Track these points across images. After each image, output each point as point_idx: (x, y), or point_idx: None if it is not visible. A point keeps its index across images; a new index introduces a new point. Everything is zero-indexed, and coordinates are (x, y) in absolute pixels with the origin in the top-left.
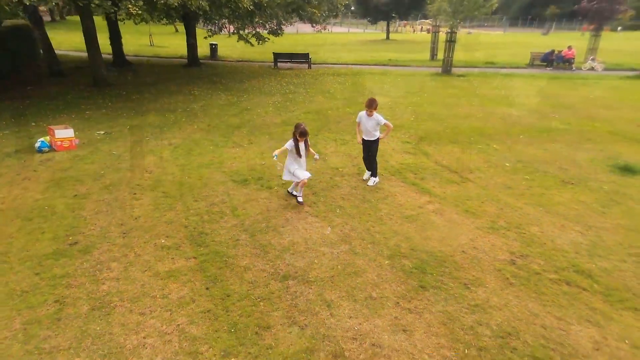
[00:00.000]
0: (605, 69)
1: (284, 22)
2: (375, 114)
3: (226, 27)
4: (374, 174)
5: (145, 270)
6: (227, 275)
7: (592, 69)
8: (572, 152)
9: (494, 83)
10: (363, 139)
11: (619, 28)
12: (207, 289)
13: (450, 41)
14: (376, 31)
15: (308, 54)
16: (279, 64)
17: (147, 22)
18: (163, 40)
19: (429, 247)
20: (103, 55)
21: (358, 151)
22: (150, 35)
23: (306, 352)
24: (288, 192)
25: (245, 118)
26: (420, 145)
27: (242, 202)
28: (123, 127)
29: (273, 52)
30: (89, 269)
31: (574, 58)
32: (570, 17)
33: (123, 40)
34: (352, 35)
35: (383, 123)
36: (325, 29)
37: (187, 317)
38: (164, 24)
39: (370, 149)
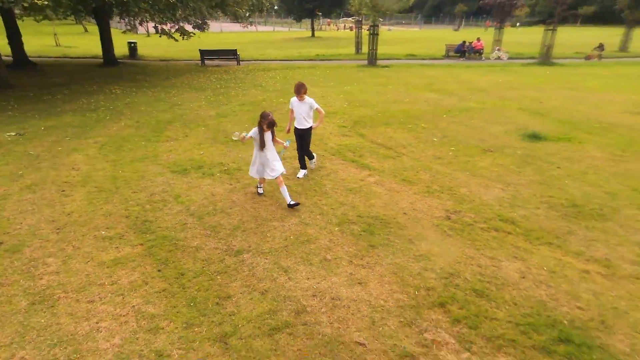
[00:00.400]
0: (509, 58)
1: (208, 16)
2: (307, 98)
3: (145, 23)
4: (310, 157)
5: (88, 261)
6: (179, 256)
7: (499, 58)
8: (488, 126)
9: (416, 72)
10: (296, 128)
11: (518, 24)
12: (159, 271)
13: (374, 34)
14: (301, 29)
15: (236, 50)
16: (206, 61)
17: (50, 19)
18: (71, 41)
19: (373, 212)
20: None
21: None
22: (55, 35)
23: (269, 313)
24: (258, 192)
25: (177, 113)
26: (355, 128)
27: (185, 190)
28: (37, 128)
29: (199, 49)
30: (21, 267)
31: (482, 49)
32: (477, 14)
33: (23, 40)
34: (278, 33)
35: (315, 107)
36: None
37: (141, 298)
38: (71, 23)
39: (303, 139)
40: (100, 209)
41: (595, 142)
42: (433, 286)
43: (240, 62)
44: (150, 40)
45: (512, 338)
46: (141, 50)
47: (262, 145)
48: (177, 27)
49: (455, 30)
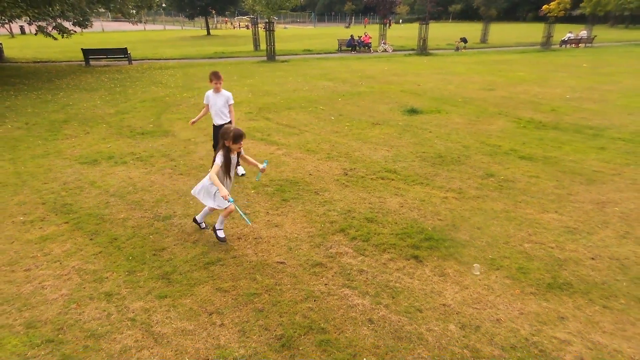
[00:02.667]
0: (394, 50)
1: (88, 12)
2: (224, 91)
3: (13, 21)
4: None
5: (13, 242)
6: (108, 227)
7: (385, 50)
8: (376, 106)
9: (313, 65)
10: (213, 125)
11: (400, 20)
12: (90, 239)
13: (270, 31)
14: (195, 28)
15: (126, 49)
16: (91, 61)
17: None
18: None
19: (284, 176)
20: None
21: (206, 124)
22: None
23: (202, 254)
24: (195, 220)
25: (71, 113)
26: (261, 114)
27: (99, 177)
28: None
29: (82, 49)
30: None
31: (370, 42)
32: (365, 12)
33: None
34: (169, 32)
35: (230, 104)
36: (139, 23)
37: (79, 260)
38: None
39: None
40: (11, 200)
41: (458, 112)
42: (335, 220)
43: (132, 61)
44: (15, 42)
45: (393, 243)
46: (8, 52)
47: (227, 170)
48: (54, 24)
49: (347, 27)
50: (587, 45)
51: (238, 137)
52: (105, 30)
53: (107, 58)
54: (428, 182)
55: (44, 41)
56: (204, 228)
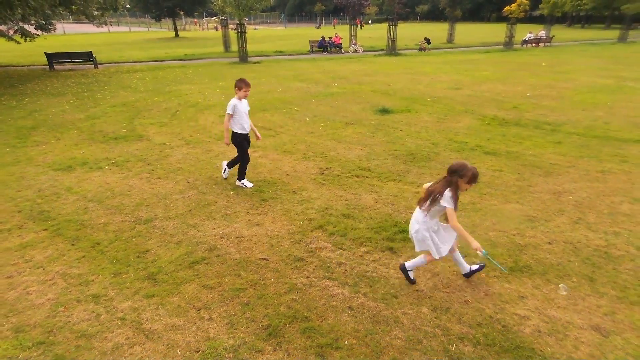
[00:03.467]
0: (364, 51)
1: (51, 15)
2: (244, 99)
3: None
4: (233, 165)
5: None
6: (89, 232)
7: (356, 51)
8: (349, 106)
9: (286, 66)
10: (240, 134)
11: (370, 21)
12: (72, 244)
13: (241, 32)
14: (162, 29)
15: (91, 52)
16: (55, 65)
17: None
18: None
19: (261, 177)
20: None
21: (181, 128)
22: None
23: (186, 255)
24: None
25: (39, 119)
26: None
27: (75, 183)
28: None
29: (46, 53)
30: None
31: (341, 43)
32: (334, 12)
33: None
34: (135, 34)
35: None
36: (104, 25)
37: (63, 265)
38: None
39: (246, 144)
40: None
41: (427, 111)
42: (313, 217)
43: (98, 65)
44: None
45: (369, 236)
46: None
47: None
48: (16, 28)
49: (317, 27)
50: (546, 44)
51: (476, 177)
52: (67, 33)
53: (71, 62)
54: (400, 178)
55: (5, 45)
56: (413, 280)
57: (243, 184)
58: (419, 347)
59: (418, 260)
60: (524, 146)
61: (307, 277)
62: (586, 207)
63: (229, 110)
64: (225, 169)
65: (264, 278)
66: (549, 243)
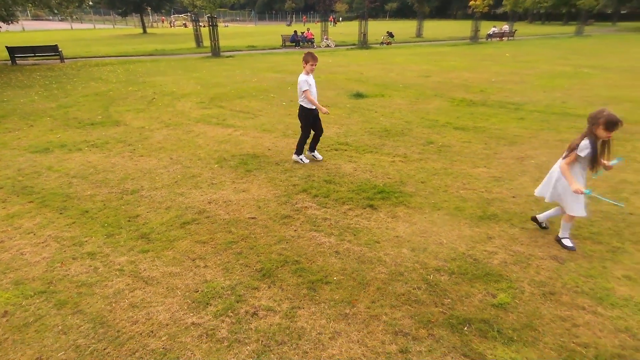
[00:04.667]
0: (336, 45)
1: (13, 6)
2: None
3: None
4: (300, 152)
5: None
6: (76, 202)
7: (328, 45)
8: (325, 92)
9: (259, 59)
10: (305, 108)
11: (340, 18)
12: (60, 213)
13: (213, 25)
14: (128, 26)
15: (57, 46)
16: (17, 60)
17: None
18: None
19: (244, 151)
20: None
21: (159, 113)
22: None
23: (177, 217)
24: (535, 219)
25: (8, 108)
26: (213, 102)
27: (56, 162)
28: None
29: (7, 47)
30: None
31: (313, 38)
32: (305, 10)
33: None
34: (100, 31)
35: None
36: (69, 20)
37: (54, 230)
38: None
39: (318, 120)
40: None
41: (400, 95)
42: (297, 183)
43: (64, 59)
44: None
45: (350, 197)
46: None
47: (593, 164)
48: None
49: (288, 25)
50: (510, 38)
51: (613, 123)
52: (27, 30)
53: (35, 56)
54: (377, 150)
55: None
56: (545, 227)
57: (301, 159)
58: (401, 278)
59: (552, 211)
60: (490, 122)
61: (295, 230)
62: (546, 168)
63: (304, 87)
64: (301, 157)
65: (254, 233)
66: (513, 197)
